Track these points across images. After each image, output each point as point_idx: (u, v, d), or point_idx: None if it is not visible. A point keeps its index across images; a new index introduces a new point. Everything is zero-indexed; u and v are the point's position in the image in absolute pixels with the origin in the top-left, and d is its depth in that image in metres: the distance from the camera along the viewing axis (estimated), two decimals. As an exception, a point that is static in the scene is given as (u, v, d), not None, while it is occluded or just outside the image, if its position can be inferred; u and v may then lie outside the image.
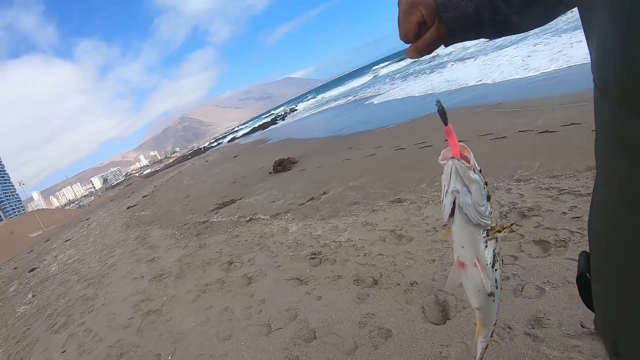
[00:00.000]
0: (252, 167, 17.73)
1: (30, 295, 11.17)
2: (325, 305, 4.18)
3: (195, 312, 5.29)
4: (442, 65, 29.52)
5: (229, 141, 77.87)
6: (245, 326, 4.40)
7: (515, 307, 3.06)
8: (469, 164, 0.96)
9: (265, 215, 8.77)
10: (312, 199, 8.60)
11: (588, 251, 0.95)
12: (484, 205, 0.96)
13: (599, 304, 0.91)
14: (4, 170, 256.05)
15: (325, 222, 6.82)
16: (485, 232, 1.00)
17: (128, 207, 24.90)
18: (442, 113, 0.95)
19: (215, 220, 10.34)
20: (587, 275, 0.95)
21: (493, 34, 0.93)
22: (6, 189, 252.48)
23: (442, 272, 3.86)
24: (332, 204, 7.73)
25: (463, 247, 1.03)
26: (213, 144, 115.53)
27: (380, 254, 4.78)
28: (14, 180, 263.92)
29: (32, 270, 16.28)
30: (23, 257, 25.06)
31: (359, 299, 4.02)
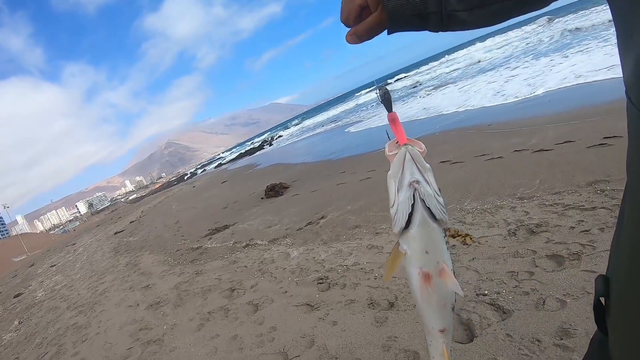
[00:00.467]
0: (243, 193, 17.60)
1: (16, 322, 10.74)
2: (342, 330, 4.04)
3: (201, 341, 5.06)
4: (415, 94, 30.17)
5: (215, 167, 77.67)
6: (259, 355, 4.21)
7: (540, 320, 3.06)
8: (421, 148, 0.89)
9: (262, 241, 8.60)
10: (310, 223, 8.47)
11: (605, 274, 0.89)
12: (441, 195, 0.87)
13: (616, 330, 0.83)
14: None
15: (328, 246, 6.68)
16: (444, 230, 0.90)
17: (115, 233, 24.43)
18: (386, 99, 0.92)
19: (210, 246, 10.14)
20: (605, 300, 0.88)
21: (438, 28, 0.87)
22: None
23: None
24: (332, 228, 7.60)
25: (427, 252, 0.89)
26: (198, 170, 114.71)
27: (393, 277, 4.56)
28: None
29: (17, 295, 15.78)
30: (7, 282, 24.43)
31: (377, 322, 3.90)
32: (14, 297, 15.74)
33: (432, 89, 28.19)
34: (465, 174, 7.26)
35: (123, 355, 5.60)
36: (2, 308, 14.51)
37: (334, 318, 4.32)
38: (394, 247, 0.91)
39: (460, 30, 0.88)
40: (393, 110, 0.92)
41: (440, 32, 0.90)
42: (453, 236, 1.05)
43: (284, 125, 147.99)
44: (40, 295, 13.84)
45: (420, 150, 0.87)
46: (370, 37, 0.89)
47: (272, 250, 7.64)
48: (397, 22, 0.84)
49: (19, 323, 10.56)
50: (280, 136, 75.39)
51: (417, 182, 0.84)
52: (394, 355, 3.32)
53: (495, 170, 6.83)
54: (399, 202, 0.86)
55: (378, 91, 0.93)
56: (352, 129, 26.84)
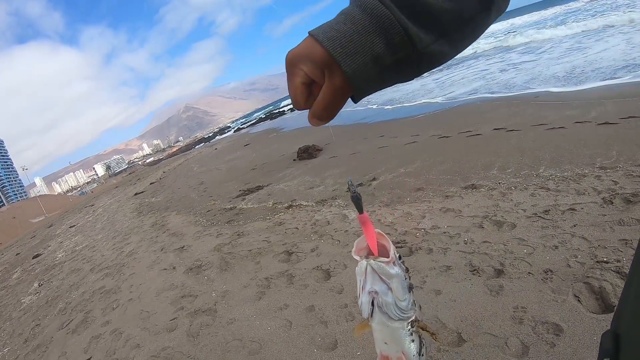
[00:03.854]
0: (271, 155, 17.05)
1: (36, 284, 10.08)
2: (451, 300, 3.46)
3: (266, 312, 4.26)
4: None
5: (235, 131, 77.15)
6: (352, 330, 3.44)
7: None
8: (388, 256, 0.90)
9: (308, 202, 7.98)
10: (360, 184, 7.88)
11: (612, 329, 0.76)
12: (405, 299, 0.93)
13: None
14: (7, 155, 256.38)
15: (392, 208, 6.09)
16: (409, 324, 0.97)
17: (135, 194, 23.83)
18: (356, 200, 0.89)
19: (245, 206, 9.46)
20: None
21: (413, 74, 0.73)
22: (9, 174, 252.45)
23: (574, 259, 3.40)
24: (389, 190, 7.04)
25: (386, 343, 0.99)
26: (217, 135, 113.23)
27: (485, 242, 4.17)
28: (16, 165, 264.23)
29: (36, 256, 15.26)
30: (26, 242, 24.11)
31: (491, 291, 3.40)
32: (32, 258, 15.22)
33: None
34: (528, 142, 6.95)
35: (166, 327, 4.73)
36: (21, 269, 13.92)
37: (435, 286, 3.72)
38: (365, 320, 0.96)
39: (437, 65, 0.74)
40: (364, 212, 0.89)
41: (412, 79, 0.75)
42: (423, 328, 0.97)
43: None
44: (60, 256, 13.22)
45: (384, 261, 0.88)
46: (333, 114, 0.74)
47: (323, 212, 7.01)
48: (365, 86, 0.70)
49: (39, 285, 9.86)
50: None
51: (376, 292, 0.90)
52: (531, 329, 2.84)
53: (560, 139, 6.55)
54: (361, 301, 0.93)
55: (350, 190, 0.89)
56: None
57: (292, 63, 0.71)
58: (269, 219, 7.66)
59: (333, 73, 0.68)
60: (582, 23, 21.67)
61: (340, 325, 3.62)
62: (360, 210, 0.88)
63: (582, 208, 4.17)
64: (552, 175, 5.25)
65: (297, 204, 8.10)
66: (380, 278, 0.88)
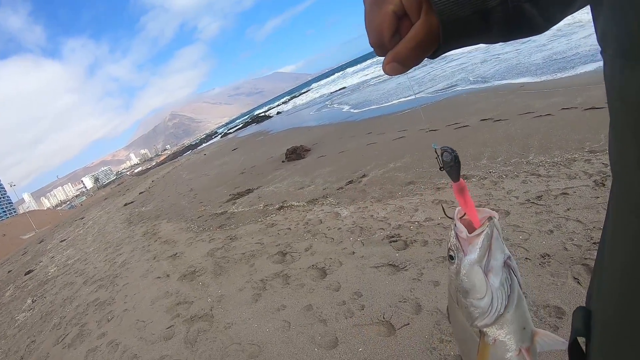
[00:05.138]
0: (259, 158, 17.05)
1: (29, 301, 9.95)
2: None
3: (264, 314, 4.23)
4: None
5: (222, 136, 76.95)
6: (352, 327, 3.51)
7: None
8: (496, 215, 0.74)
9: (299, 202, 7.99)
10: (350, 182, 7.96)
11: (585, 306, 0.75)
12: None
13: None
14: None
15: (384, 203, 6.13)
16: None
17: (125, 204, 23.67)
18: (454, 165, 0.74)
19: (236, 210, 9.43)
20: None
21: (500, 32, 0.61)
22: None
23: (570, 242, 3.43)
24: (380, 185, 7.10)
25: (524, 328, 0.77)
26: (204, 142, 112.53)
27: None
28: (4, 181, 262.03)
29: (29, 272, 15.08)
30: (17, 259, 23.87)
31: None
32: (25, 275, 15.02)
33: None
34: (516, 130, 7.07)
35: (163, 336, 4.68)
36: (14, 286, 13.73)
37: (433, 278, 3.76)
38: (481, 346, 0.77)
39: (522, 36, 0.64)
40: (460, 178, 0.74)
41: (497, 43, 0.66)
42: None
43: (290, 94, 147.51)
44: (52, 270, 13.07)
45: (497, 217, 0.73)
46: (419, 60, 0.62)
47: (314, 211, 7.01)
48: (453, 29, 0.57)
49: (32, 302, 9.73)
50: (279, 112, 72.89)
51: (510, 257, 0.74)
52: (532, 313, 2.82)
53: (548, 126, 6.66)
54: (495, 288, 0.72)
55: (441, 156, 0.73)
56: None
57: None
58: (261, 221, 7.62)
59: (431, 9, 0.57)
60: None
61: (339, 322, 3.59)
62: (456, 177, 0.76)
63: (575, 192, 4.20)
64: (543, 162, 5.29)
65: (288, 204, 8.07)
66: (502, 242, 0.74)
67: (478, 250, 0.72)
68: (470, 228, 0.74)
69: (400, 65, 0.62)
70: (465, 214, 0.76)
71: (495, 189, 5.06)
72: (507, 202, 4.58)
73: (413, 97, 16.00)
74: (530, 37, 0.67)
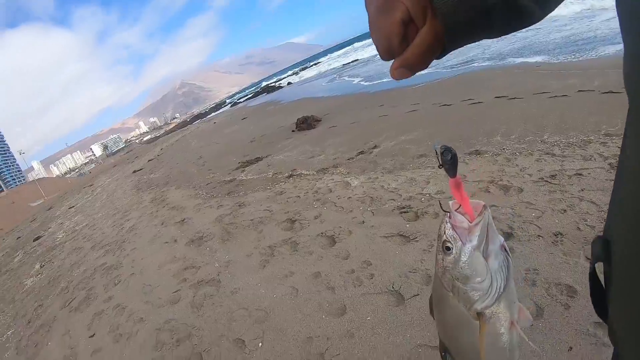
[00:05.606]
0: (269, 127, 16.88)
1: (38, 266, 9.99)
2: None
3: (271, 281, 4.19)
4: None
5: (231, 105, 76.69)
6: (361, 295, 3.48)
7: None
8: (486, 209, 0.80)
9: (308, 171, 7.91)
10: (361, 152, 7.86)
11: (603, 236, 0.78)
12: None
13: (619, 303, 0.73)
14: (4, 140, 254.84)
15: (395, 175, 6.06)
16: None
17: (134, 171, 23.62)
18: (452, 162, 0.77)
19: (245, 178, 9.36)
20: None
21: (501, 27, 0.65)
22: (6, 159, 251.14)
23: (584, 222, 3.39)
24: (391, 157, 7.01)
25: (514, 302, 0.84)
26: (212, 112, 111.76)
27: (492, 205, 4.07)
28: (13, 149, 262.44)
29: (37, 238, 15.14)
30: (26, 226, 24.01)
31: None
32: (33, 241, 15.08)
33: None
34: (531, 109, 6.90)
35: (170, 300, 4.66)
36: (22, 252, 13.79)
37: None
38: (481, 326, 0.81)
39: (520, 28, 0.67)
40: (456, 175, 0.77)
41: (498, 37, 0.68)
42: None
43: (302, 64, 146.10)
44: (60, 236, 13.11)
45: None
46: (427, 64, 0.64)
47: (324, 180, 6.94)
48: (458, 31, 0.60)
49: (41, 266, 9.77)
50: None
51: (503, 240, 0.80)
52: (544, 290, 2.84)
53: (564, 107, 6.48)
54: (494, 271, 0.78)
55: (440, 153, 0.76)
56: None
57: None
58: (270, 189, 7.57)
59: (436, 15, 0.58)
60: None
61: (348, 290, 3.54)
62: (453, 174, 0.78)
63: (589, 173, 4.14)
64: (557, 142, 5.20)
65: (297, 173, 8.00)
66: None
67: (477, 237, 0.76)
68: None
69: (408, 70, 0.63)
70: (460, 206, 0.80)
71: (509, 165, 5.01)
72: (520, 179, 4.54)
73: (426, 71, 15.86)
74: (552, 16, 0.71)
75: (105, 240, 9.17)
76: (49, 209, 28.76)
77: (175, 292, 4.79)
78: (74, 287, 6.78)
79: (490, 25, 0.62)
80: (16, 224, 30.51)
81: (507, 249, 0.79)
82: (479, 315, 0.80)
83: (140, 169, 23.36)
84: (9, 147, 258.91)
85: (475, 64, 13.97)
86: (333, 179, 6.79)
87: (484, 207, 0.77)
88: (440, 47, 0.62)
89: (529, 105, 7.08)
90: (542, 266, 3.05)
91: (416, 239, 4.01)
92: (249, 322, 3.62)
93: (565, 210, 3.63)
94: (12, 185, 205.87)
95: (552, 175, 4.30)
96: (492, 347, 0.84)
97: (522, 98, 7.63)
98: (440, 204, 0.89)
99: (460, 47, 0.65)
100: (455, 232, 0.78)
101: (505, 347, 0.85)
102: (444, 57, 0.68)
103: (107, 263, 7.23)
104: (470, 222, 0.77)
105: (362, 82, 21.41)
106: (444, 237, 0.79)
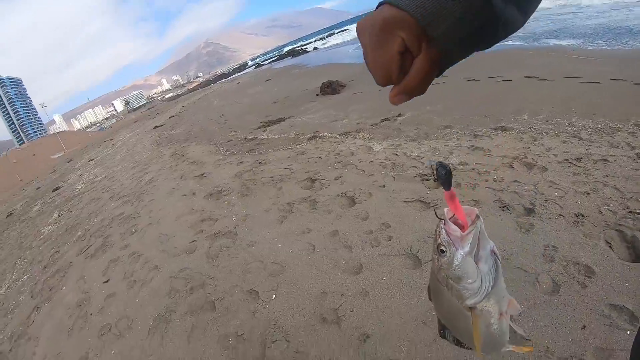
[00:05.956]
0: (293, 90, 16.68)
1: (55, 215, 10.11)
2: None
3: (287, 236, 4.19)
4: None
5: (256, 67, 76.31)
6: (378, 256, 3.47)
7: None
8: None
9: (331, 134, 7.86)
10: (385, 119, 7.79)
11: None
12: None
13: None
14: (26, 94, 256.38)
15: (418, 143, 6.04)
16: None
17: (155, 127, 23.61)
18: (446, 177, 0.83)
19: (266, 137, 9.35)
20: None
21: (489, 42, 0.69)
22: (28, 112, 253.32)
23: (606, 206, 3.36)
24: (415, 125, 6.96)
25: (504, 296, 0.93)
26: (236, 72, 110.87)
27: (515, 181, 4.15)
28: (35, 103, 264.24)
29: (56, 189, 15.28)
30: (46, 177, 24.26)
31: (521, 228, 3.39)
32: (52, 191, 15.24)
33: None
34: (561, 92, 6.79)
35: (185, 249, 4.68)
36: (41, 202, 13.97)
37: None
38: (474, 318, 0.91)
39: (505, 37, 0.69)
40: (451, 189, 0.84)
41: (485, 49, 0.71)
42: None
43: (329, 30, 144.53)
44: (79, 187, 13.25)
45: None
46: (425, 89, 0.69)
47: (346, 143, 6.90)
48: (452, 54, 0.66)
49: (59, 215, 9.89)
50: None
51: (493, 245, 0.87)
52: (562, 268, 2.84)
53: (594, 93, 6.38)
54: (484, 273, 0.86)
55: (435, 169, 0.82)
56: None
57: (386, 28, 0.63)
58: (291, 149, 7.55)
59: (431, 42, 0.63)
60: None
61: (365, 250, 3.52)
62: (447, 187, 0.83)
63: (615, 160, 4.09)
64: (585, 126, 5.17)
65: (320, 135, 7.95)
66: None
67: (469, 244, 0.83)
68: (458, 225, 0.85)
69: (409, 96, 0.69)
70: (453, 215, 0.86)
71: (534, 144, 4.97)
72: (545, 158, 4.51)
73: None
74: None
75: (123, 191, 9.23)
76: (69, 161, 29.06)
77: (191, 242, 4.81)
78: (90, 235, 6.84)
79: (481, 42, 0.66)
80: (37, 175, 30.84)
81: (497, 252, 0.86)
82: (471, 309, 0.89)
83: (162, 125, 23.37)
84: (31, 100, 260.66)
85: (507, 42, 13.64)
86: (355, 143, 6.75)
87: (477, 216, 0.83)
88: (437, 71, 0.67)
89: (558, 88, 7.02)
90: (561, 244, 3.04)
91: (437, 206, 3.99)
92: (263, 274, 3.62)
93: (588, 193, 3.62)
94: (34, 138, 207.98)
95: (578, 158, 4.27)
96: (484, 332, 0.93)
97: (552, 80, 7.56)
98: (435, 212, 0.93)
99: (454, 64, 0.70)
100: (449, 238, 0.84)
101: (496, 332, 0.94)
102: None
103: (124, 213, 7.27)
104: (463, 232, 0.84)
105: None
106: (439, 241, 0.86)
